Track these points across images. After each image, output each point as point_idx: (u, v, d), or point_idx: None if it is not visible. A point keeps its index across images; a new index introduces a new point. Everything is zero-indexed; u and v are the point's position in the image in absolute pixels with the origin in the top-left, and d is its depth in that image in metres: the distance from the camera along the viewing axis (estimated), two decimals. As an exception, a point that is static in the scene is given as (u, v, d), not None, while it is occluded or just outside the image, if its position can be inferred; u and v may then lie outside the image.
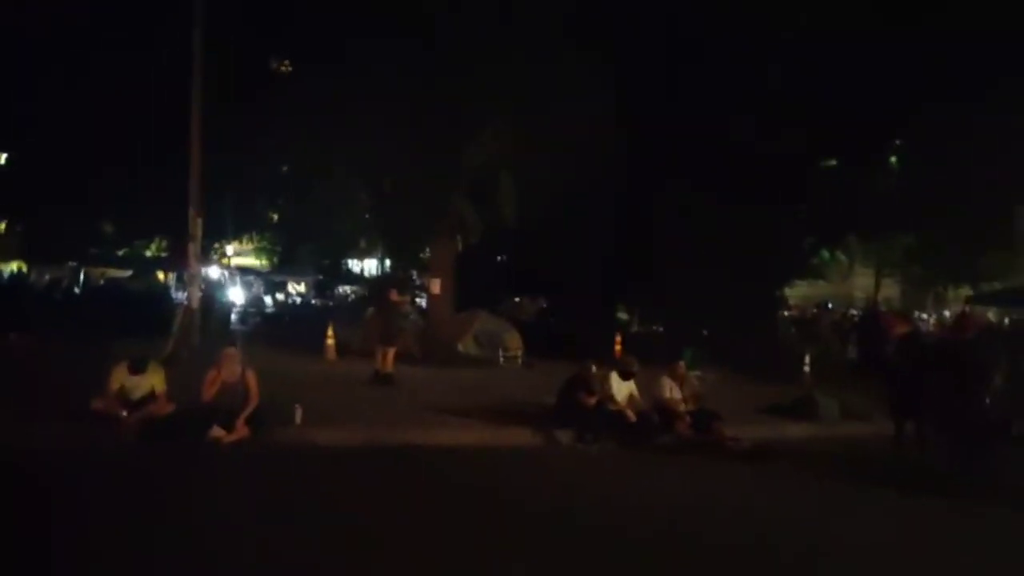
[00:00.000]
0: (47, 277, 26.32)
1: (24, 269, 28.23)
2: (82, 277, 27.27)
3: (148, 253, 32.33)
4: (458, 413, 9.59)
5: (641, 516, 6.07)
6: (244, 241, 40.97)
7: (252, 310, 26.68)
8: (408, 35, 13.11)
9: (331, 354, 14.74)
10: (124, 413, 7.44)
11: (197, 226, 12.58)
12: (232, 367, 7.84)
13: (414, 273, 28.82)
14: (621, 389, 9.18)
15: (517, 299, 24.87)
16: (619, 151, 14.48)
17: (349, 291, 38.19)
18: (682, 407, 9.19)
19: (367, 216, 20.82)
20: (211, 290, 22.79)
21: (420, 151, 13.77)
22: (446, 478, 7.07)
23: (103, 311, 16.06)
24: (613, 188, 15.93)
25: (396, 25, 13.10)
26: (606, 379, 9.22)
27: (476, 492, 6.64)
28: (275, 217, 36.44)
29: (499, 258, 22.16)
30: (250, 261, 42.20)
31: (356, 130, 13.63)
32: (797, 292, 29.88)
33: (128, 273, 26.34)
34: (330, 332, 14.99)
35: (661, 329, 21.42)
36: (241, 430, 7.59)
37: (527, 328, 17.43)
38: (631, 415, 8.92)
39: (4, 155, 24.83)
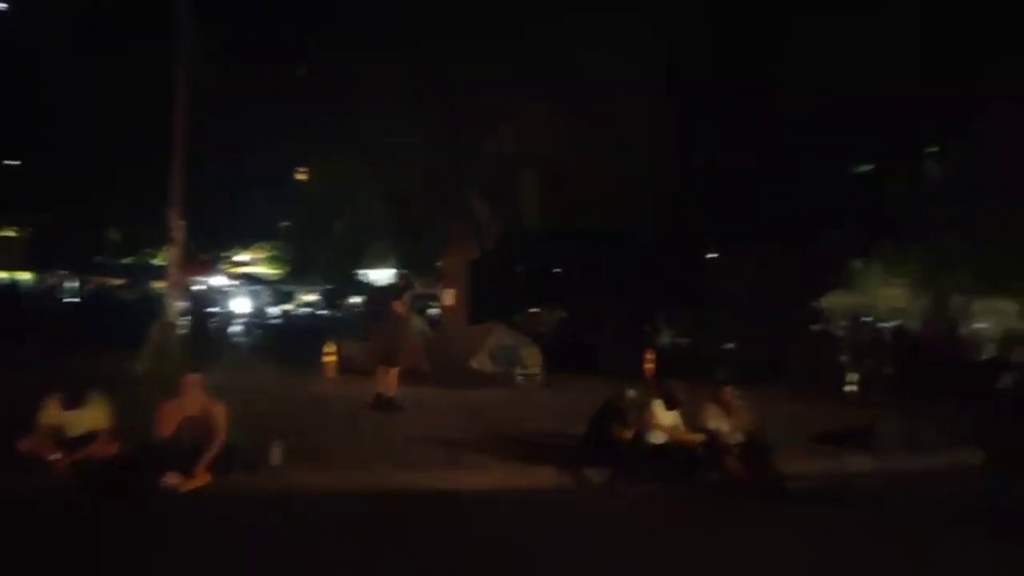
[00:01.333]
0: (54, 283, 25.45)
1: (25, 277, 27.39)
2: (76, 285, 26.21)
3: (155, 261, 31.45)
4: (469, 447, 8.17)
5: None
6: (256, 249, 40.11)
7: (255, 321, 25.44)
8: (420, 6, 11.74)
9: (331, 372, 13.41)
10: (57, 456, 6.05)
11: (179, 230, 11.28)
12: (195, 397, 6.46)
13: (415, 283, 27.40)
14: (666, 420, 7.76)
15: (535, 309, 23.43)
16: (659, 144, 12.96)
17: (359, 302, 37.03)
18: (731, 439, 7.79)
19: (377, 218, 19.54)
20: (204, 301, 21.57)
21: (432, 141, 12.36)
22: (449, 533, 5.67)
23: (87, 321, 14.90)
24: (646, 185, 14.47)
25: None
26: (646, 408, 7.82)
27: (486, 551, 5.28)
28: (284, 225, 35.41)
29: (517, 266, 20.84)
30: (262, 270, 41.23)
31: (363, 114, 12.30)
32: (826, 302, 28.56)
33: (120, 281, 25.24)
34: (330, 348, 13.67)
35: (687, 342, 19.93)
36: (202, 476, 6.18)
37: (546, 340, 16.07)
38: (681, 446, 7.60)
39: (11, 161, 24.04)
